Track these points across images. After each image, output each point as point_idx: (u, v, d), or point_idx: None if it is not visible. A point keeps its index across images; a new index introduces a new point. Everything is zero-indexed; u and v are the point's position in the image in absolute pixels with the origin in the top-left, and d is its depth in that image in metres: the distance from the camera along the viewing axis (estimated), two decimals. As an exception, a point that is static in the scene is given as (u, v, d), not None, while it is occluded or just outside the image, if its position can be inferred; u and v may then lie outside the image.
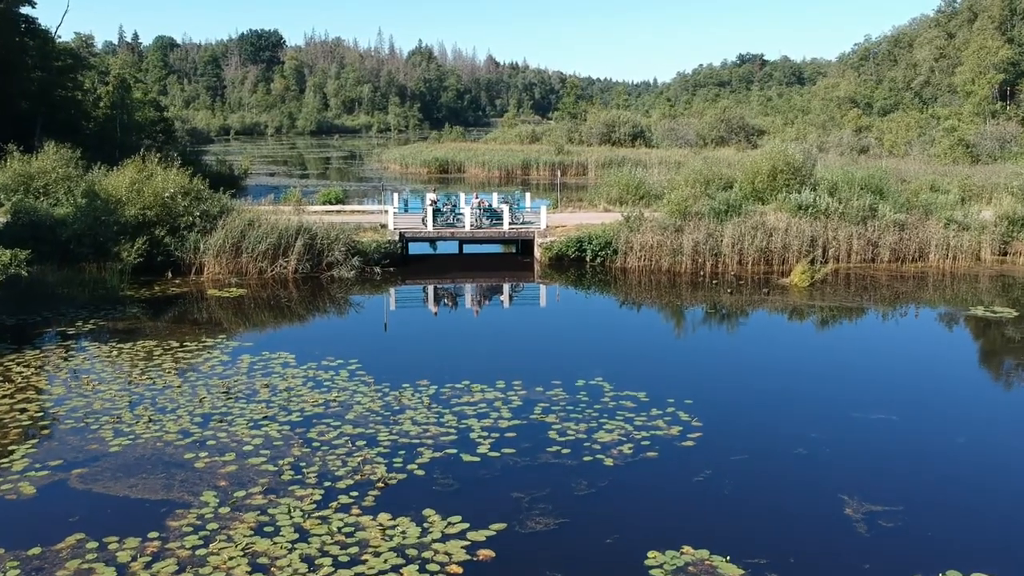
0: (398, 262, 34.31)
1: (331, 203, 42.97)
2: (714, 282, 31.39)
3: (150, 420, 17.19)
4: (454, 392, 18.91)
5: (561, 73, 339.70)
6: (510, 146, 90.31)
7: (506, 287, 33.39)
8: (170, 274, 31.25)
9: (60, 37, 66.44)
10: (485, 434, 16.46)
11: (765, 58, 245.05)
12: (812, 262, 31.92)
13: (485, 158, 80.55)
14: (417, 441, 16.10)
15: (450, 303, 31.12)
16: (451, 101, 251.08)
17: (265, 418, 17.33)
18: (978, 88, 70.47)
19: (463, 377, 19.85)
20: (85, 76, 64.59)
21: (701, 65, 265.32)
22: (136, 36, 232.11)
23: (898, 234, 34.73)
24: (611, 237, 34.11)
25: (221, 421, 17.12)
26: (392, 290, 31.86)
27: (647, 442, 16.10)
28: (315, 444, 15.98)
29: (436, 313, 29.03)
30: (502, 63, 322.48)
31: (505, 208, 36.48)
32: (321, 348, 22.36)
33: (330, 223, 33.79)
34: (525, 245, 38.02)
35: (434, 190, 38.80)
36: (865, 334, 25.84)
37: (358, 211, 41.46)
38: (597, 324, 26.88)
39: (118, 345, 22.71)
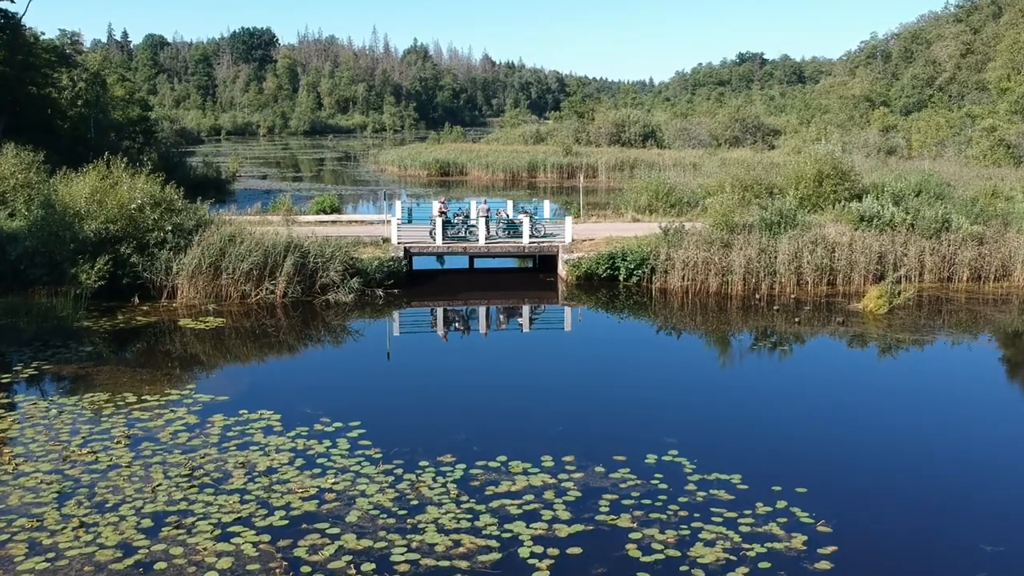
0: (402, 281, 29.76)
1: (325, 212, 38.40)
2: (775, 308, 26.90)
3: (82, 525, 12.63)
4: (488, 475, 14.39)
5: (558, 72, 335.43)
6: (514, 147, 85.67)
7: (529, 312, 28.91)
8: (136, 299, 26.64)
9: (43, 34, 61.60)
10: (540, 550, 11.95)
11: (765, 57, 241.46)
12: (886, 284, 27.32)
13: (488, 160, 75.96)
14: (447, 564, 11.57)
15: (464, 330, 26.75)
16: (447, 101, 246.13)
17: (237, 520, 12.80)
18: (1014, 85, 66.21)
19: (496, 449, 15.35)
20: (63, 73, 59.83)
21: (700, 64, 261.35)
22: (126, 34, 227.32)
23: (976, 249, 30.28)
24: (648, 253, 29.63)
25: (178, 527, 12.57)
26: (396, 315, 27.40)
27: (766, 563, 11.60)
28: (304, 569, 11.45)
29: (450, 345, 24.52)
30: (498, 62, 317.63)
31: (525, 219, 31.94)
32: (314, 403, 17.86)
33: (324, 237, 29.27)
34: (544, 260, 33.57)
35: (443, 200, 34.27)
36: (987, 381, 21.22)
37: (356, 221, 36.91)
38: (648, 364, 22.31)
39: (60, 400, 18.14)
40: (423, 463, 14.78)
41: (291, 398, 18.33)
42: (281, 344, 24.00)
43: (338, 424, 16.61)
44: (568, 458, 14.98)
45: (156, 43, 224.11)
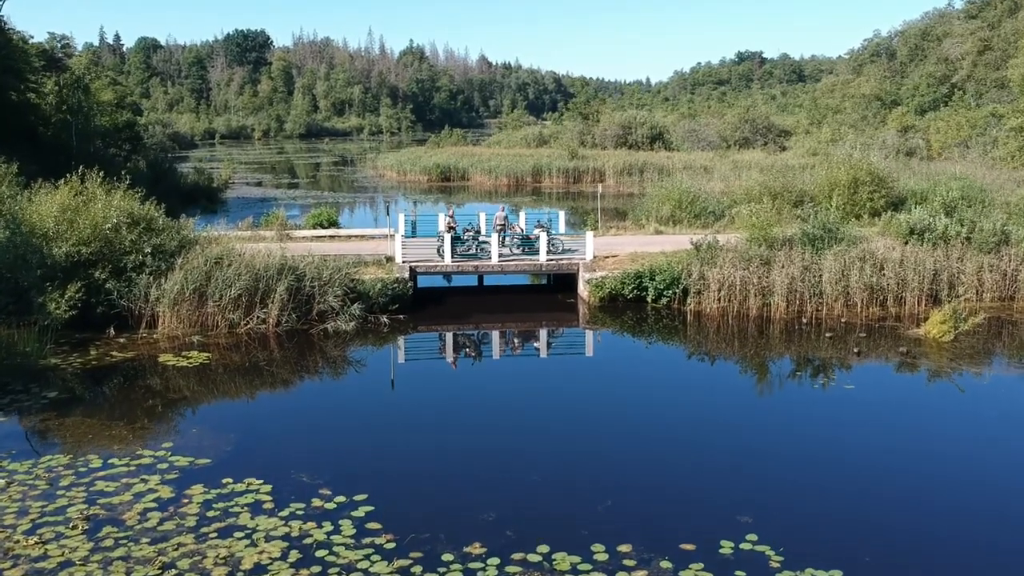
0: (407, 304, 26.99)
1: (322, 226, 35.60)
2: (827, 334, 24.10)
3: (14, 659, 9.86)
4: (529, 574, 11.60)
5: (554, 73, 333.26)
6: (516, 150, 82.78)
7: (550, 339, 26.15)
8: (112, 331, 23.77)
9: (32, 37, 58.71)
10: None
11: (764, 56, 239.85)
12: (950, 307, 24.50)
13: (491, 164, 73.04)
14: None
15: (476, 357, 24.12)
16: (444, 102, 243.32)
17: (216, 649, 10.02)
18: (1038, 83, 63.61)
19: (534, 534, 12.59)
20: (48, 78, 56.85)
21: (699, 63, 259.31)
22: (118, 37, 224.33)
23: (1039, 264, 27.57)
24: (679, 271, 26.88)
25: (137, 662, 9.80)
26: (402, 344, 24.71)
27: None
28: None
29: (464, 382, 21.72)
30: (495, 63, 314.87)
31: (542, 235, 29.17)
32: (311, 466, 15.11)
33: (322, 256, 26.50)
34: (560, 277, 30.79)
35: (451, 213, 31.47)
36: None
37: (355, 236, 34.09)
38: (695, 409, 19.39)
39: (11, 465, 15.30)
40: (447, 557, 11.99)
41: (284, 459, 15.56)
42: (273, 384, 21.15)
43: (340, 498, 13.82)
44: (624, 547, 12.21)
45: (149, 46, 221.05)
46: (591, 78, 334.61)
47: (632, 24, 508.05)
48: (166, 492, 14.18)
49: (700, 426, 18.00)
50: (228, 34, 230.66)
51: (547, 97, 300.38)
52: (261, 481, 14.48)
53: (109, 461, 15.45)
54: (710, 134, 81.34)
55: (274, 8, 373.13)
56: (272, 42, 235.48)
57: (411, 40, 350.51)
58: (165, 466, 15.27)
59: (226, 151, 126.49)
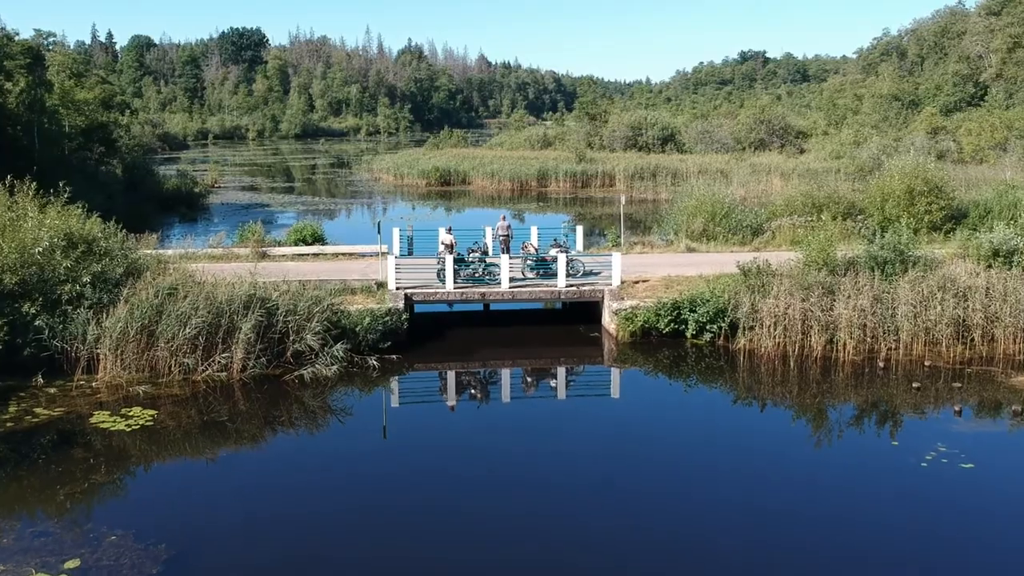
0: (402, 340, 22.72)
1: (305, 242, 31.28)
2: (915, 385, 19.75)
3: None
4: None
5: (554, 73, 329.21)
6: (520, 152, 78.39)
7: (565, 375, 21.94)
8: (40, 379, 19.45)
9: (18, 34, 54.27)
10: None
11: (767, 55, 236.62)
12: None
13: (493, 167, 68.70)
14: None
15: (484, 400, 20.07)
16: (443, 102, 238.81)
17: None
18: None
19: None
20: (23, 75, 52.29)
21: (702, 63, 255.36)
22: (110, 36, 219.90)
23: None
24: (724, 301, 22.62)
25: None
26: (395, 385, 20.56)
27: None
28: None
29: (470, 445, 17.41)
30: (494, 63, 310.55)
31: (560, 256, 24.89)
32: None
33: (300, 282, 22.28)
34: (578, 304, 26.51)
35: (448, 229, 27.18)
36: None
37: (343, 254, 29.75)
38: (765, 483, 15.09)
39: None
40: None
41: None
42: (235, 451, 16.90)
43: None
44: None
45: (142, 44, 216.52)
46: (591, 77, 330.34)
47: (632, 24, 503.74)
48: (51, 656, 9.93)
49: (771, 513, 13.68)
50: (223, 32, 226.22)
51: (547, 97, 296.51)
52: (189, 635, 10.22)
53: (-15, 594, 11.20)
54: (723, 135, 77.01)
55: (270, 6, 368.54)
56: (268, 41, 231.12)
57: (409, 39, 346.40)
58: (61, 603, 11.02)
59: (219, 152, 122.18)
